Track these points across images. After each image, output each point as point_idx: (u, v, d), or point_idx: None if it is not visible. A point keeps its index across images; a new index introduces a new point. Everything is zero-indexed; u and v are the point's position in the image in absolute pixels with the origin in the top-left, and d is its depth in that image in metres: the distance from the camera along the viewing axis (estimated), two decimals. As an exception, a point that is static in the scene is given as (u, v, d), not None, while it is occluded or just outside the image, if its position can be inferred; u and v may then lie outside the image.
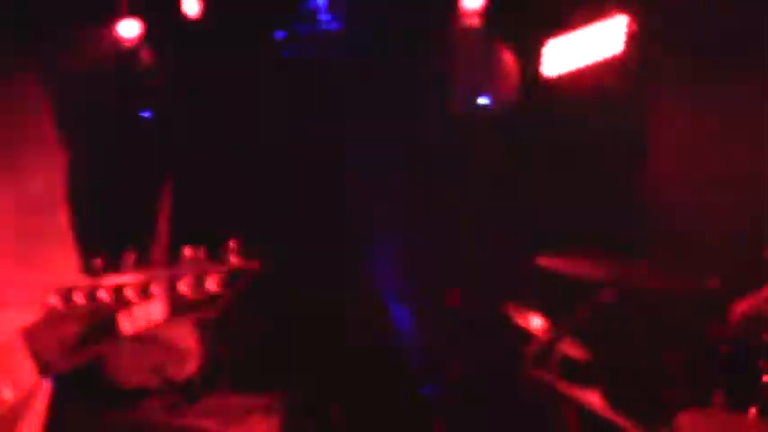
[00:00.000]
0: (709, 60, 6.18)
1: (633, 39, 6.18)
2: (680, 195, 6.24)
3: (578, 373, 5.07)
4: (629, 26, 6.21)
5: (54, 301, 2.92)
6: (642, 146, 6.39)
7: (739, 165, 6.09)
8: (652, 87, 6.34)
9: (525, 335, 5.13)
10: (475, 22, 6.17)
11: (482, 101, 6.29)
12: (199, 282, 2.91)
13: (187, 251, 2.95)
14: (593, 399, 4.99)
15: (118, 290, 2.90)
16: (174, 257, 2.94)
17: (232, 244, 2.95)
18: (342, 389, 6.09)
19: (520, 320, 5.19)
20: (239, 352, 6.19)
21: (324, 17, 6.68)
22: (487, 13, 6.18)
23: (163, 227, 6.10)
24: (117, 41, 6.58)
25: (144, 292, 2.90)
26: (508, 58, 6.26)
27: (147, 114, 6.90)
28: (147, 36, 6.61)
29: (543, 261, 5.36)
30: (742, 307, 5.00)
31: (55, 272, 4.58)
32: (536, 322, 5.14)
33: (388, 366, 6.34)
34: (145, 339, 3.02)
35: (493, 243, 6.37)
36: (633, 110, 6.40)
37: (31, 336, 2.91)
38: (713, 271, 5.69)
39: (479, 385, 5.97)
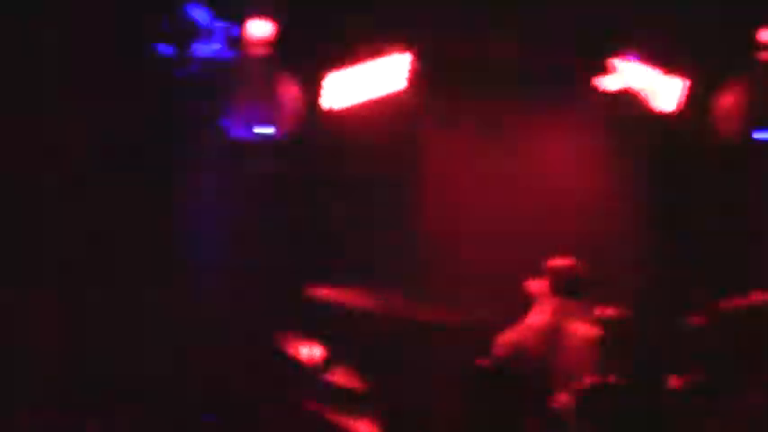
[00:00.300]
0: (480, 103, 6.52)
1: (413, 77, 6.39)
2: (448, 230, 6.51)
3: (350, 403, 5.11)
4: (410, 64, 6.41)
5: None
6: (413, 180, 6.62)
7: (503, 201, 6.46)
8: (423, 126, 6.61)
9: (296, 365, 5.13)
10: (260, 51, 6.16)
11: (263, 130, 6.28)
12: None
13: None
14: (363, 428, 5.04)
15: None
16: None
17: None
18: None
19: (290, 350, 5.19)
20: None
21: None
22: (274, 43, 6.18)
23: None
24: None
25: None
26: (292, 89, 6.30)
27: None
28: None
29: (315, 291, 5.41)
30: (504, 338, 5.21)
31: None
32: (307, 352, 5.15)
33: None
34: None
35: (266, 272, 6.37)
36: (407, 145, 6.62)
37: None
38: (479, 303, 5.94)
39: (253, 415, 5.93)
